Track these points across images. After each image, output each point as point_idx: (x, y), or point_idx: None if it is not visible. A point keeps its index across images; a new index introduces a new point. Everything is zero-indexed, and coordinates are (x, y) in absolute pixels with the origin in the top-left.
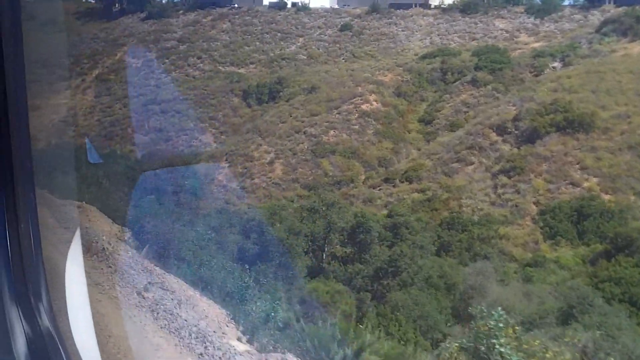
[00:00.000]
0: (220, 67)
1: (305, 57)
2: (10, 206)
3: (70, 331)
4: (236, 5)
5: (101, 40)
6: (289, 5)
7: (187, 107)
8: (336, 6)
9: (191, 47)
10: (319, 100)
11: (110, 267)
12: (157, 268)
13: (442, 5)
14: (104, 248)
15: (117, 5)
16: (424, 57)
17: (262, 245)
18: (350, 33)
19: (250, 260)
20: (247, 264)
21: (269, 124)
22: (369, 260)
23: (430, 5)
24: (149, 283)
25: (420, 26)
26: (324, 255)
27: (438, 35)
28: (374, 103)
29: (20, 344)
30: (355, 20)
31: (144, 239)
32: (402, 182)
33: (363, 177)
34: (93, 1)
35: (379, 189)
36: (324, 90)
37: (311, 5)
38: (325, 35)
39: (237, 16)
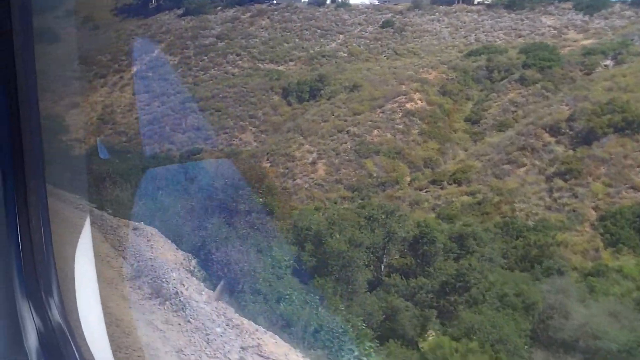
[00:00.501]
0: (259, 65)
1: (345, 55)
2: (21, 203)
3: (80, 326)
4: (275, 2)
5: (139, 36)
6: (329, 2)
7: (227, 105)
8: (376, 2)
9: (230, 44)
10: (361, 99)
11: (189, 321)
12: (233, 311)
13: (485, 2)
14: (177, 292)
15: (153, 1)
16: (469, 54)
17: (320, 257)
18: (392, 30)
19: (308, 274)
20: (304, 279)
21: (311, 122)
22: (433, 274)
23: (473, 1)
24: (243, 349)
25: (464, 23)
26: (382, 266)
27: (483, 32)
28: (419, 102)
29: (31, 339)
30: (397, 16)
31: (211, 269)
32: (450, 184)
33: (408, 178)
34: None
35: (426, 191)
36: (367, 88)
37: (351, 2)
38: (366, 32)
39: (276, 12)
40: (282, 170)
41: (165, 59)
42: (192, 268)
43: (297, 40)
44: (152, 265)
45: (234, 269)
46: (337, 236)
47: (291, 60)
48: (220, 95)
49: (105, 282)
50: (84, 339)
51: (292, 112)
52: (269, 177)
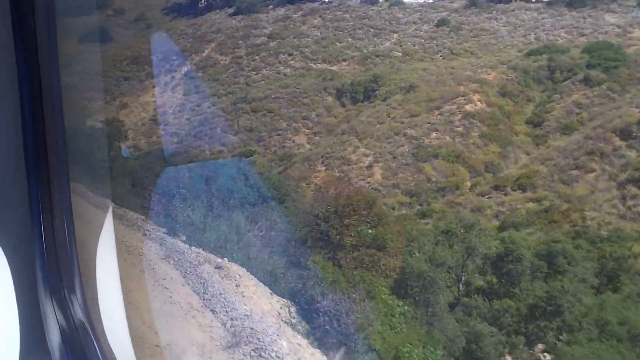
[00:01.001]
0: (311, 64)
1: (400, 54)
2: (45, 201)
3: (103, 324)
4: (326, 0)
5: (189, 36)
6: (382, 0)
7: (279, 106)
8: (430, 0)
9: (281, 43)
10: (418, 100)
11: None
12: None
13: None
14: None
15: (203, 1)
16: (529, 54)
17: (398, 277)
18: (448, 29)
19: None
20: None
21: (366, 124)
22: (519, 295)
23: None
24: None
25: (523, 21)
26: (460, 285)
27: (543, 30)
28: (478, 103)
29: (54, 336)
30: (453, 15)
31: (316, 321)
32: (515, 190)
33: (469, 183)
34: None
35: (488, 197)
36: (423, 89)
37: (405, 0)
38: (421, 31)
39: (328, 11)
40: (337, 174)
41: (216, 58)
42: (292, 319)
43: (349, 39)
44: (252, 329)
45: (345, 321)
46: (417, 254)
47: (344, 60)
48: (273, 96)
49: (128, 280)
50: (106, 337)
51: (346, 113)
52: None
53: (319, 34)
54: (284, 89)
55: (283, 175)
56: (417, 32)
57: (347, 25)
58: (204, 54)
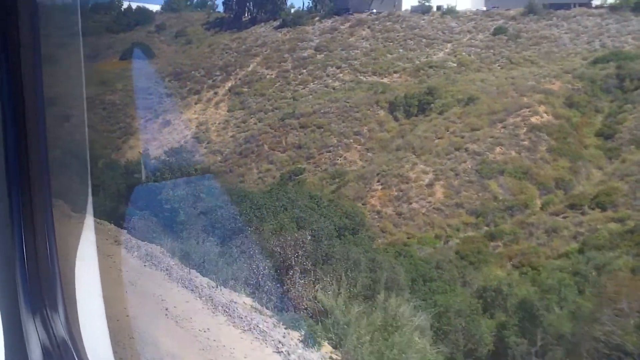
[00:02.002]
0: (361, 77)
1: (455, 65)
2: (27, 216)
3: (85, 341)
4: (374, 11)
5: (233, 50)
6: (434, 9)
7: (329, 121)
8: (484, 8)
9: (329, 56)
10: (479, 113)
11: None
12: None
13: (605, 5)
14: None
15: (247, 14)
16: (594, 62)
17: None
18: (505, 37)
19: None
20: None
21: (423, 139)
22: None
23: (591, 4)
24: None
25: (586, 27)
26: None
27: (608, 37)
28: (544, 115)
29: (36, 355)
30: (510, 22)
31: None
32: (593, 208)
33: (539, 201)
34: (222, 11)
35: (563, 217)
36: (484, 101)
37: (457, 8)
38: (476, 40)
39: (376, 22)
40: (395, 193)
41: (262, 73)
42: None
43: (401, 50)
44: None
45: None
46: (557, 310)
47: (395, 71)
48: (322, 111)
49: (111, 298)
50: (89, 355)
51: (399, 128)
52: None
53: (368, 45)
54: (334, 103)
55: (337, 194)
56: (473, 41)
57: (398, 35)
58: (249, 69)
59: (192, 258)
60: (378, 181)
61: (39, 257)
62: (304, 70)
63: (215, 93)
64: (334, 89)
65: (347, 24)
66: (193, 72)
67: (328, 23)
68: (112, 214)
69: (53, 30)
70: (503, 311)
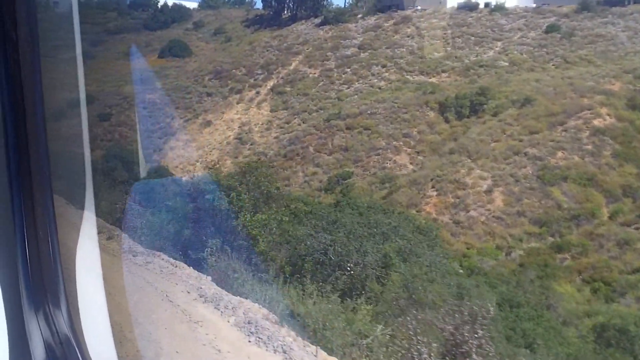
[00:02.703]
0: (408, 77)
1: (506, 64)
2: (29, 213)
3: (88, 339)
4: (419, 8)
5: (274, 48)
6: (481, 6)
7: (377, 123)
8: (533, 5)
9: (374, 54)
10: (536, 115)
11: None
12: None
13: None
14: None
15: (287, 11)
16: None
17: None
18: (559, 35)
19: None
20: None
21: (477, 142)
22: None
23: None
24: None
25: None
26: None
27: None
28: (607, 117)
29: (38, 352)
30: (563, 20)
31: None
32: None
33: (606, 210)
34: (261, 8)
35: (635, 228)
36: (541, 102)
37: (507, 5)
38: (528, 39)
39: (422, 19)
40: (452, 200)
41: (305, 71)
42: None
43: (448, 49)
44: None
45: None
46: None
47: (443, 71)
48: (369, 112)
49: (113, 295)
50: (91, 352)
51: (451, 130)
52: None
53: (414, 43)
54: (380, 103)
55: (388, 200)
56: (524, 39)
57: (445, 33)
58: (291, 67)
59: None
60: (432, 187)
61: (40, 254)
62: (348, 69)
63: (257, 92)
64: (379, 88)
65: (391, 22)
66: (234, 70)
67: (371, 20)
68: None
69: (52, 26)
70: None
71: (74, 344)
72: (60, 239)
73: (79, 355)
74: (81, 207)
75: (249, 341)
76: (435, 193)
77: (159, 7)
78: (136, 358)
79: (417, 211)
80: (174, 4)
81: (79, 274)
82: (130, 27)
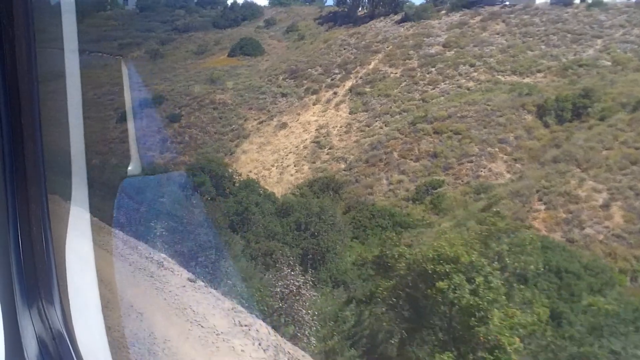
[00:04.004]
0: (499, 77)
1: (609, 63)
2: (22, 209)
3: (81, 335)
4: (507, 3)
5: (352, 47)
6: (576, 1)
7: (468, 127)
8: (634, 0)
9: (460, 53)
10: None
11: None
12: None
13: None
14: None
15: (362, 8)
16: None
17: None
18: None
19: None
20: None
21: (586, 150)
22: None
23: None
24: None
25: None
26: None
27: None
28: None
29: (31, 348)
30: None
31: None
32: None
33: None
34: (334, 5)
35: None
36: None
37: (605, 0)
38: (632, 36)
39: (512, 15)
40: (563, 216)
41: (385, 71)
42: None
43: (542, 46)
44: None
45: None
46: None
47: (539, 71)
48: (458, 115)
49: (107, 291)
50: (85, 348)
51: (551, 135)
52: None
53: (504, 41)
54: (471, 106)
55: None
56: (627, 36)
57: (538, 30)
58: (371, 66)
59: None
60: (539, 200)
61: (34, 249)
62: (433, 69)
63: (335, 93)
64: (468, 89)
65: (478, 18)
66: (309, 70)
67: (456, 17)
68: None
69: (48, 22)
70: None
71: (67, 339)
72: (54, 236)
73: (72, 351)
74: (75, 204)
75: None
76: (543, 207)
77: (229, 4)
78: (129, 354)
79: (526, 228)
80: (245, 2)
81: (73, 271)
82: (199, 25)
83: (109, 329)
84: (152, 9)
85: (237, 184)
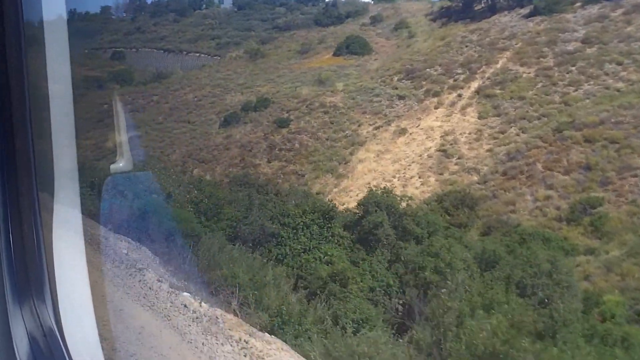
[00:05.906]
0: None
1: None
2: (13, 206)
3: (73, 331)
4: None
5: (474, 44)
6: None
7: (626, 135)
8: None
9: (604, 49)
10: None
11: None
12: None
13: None
14: None
15: (481, 2)
16: None
17: None
18: None
19: None
20: None
21: None
22: None
23: None
24: None
25: None
26: None
27: None
28: None
29: (22, 345)
30: None
31: None
32: None
33: None
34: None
35: None
36: None
37: None
38: None
39: None
40: None
41: (516, 70)
42: None
43: None
44: None
45: None
46: None
47: None
48: (612, 120)
49: (97, 287)
50: (77, 346)
51: None
52: None
53: None
54: (627, 110)
55: None
56: None
57: None
58: (498, 66)
59: None
60: None
61: (25, 247)
62: (573, 68)
63: (459, 95)
64: (618, 91)
65: (620, 11)
66: (427, 69)
67: (594, 10)
68: None
69: (38, 20)
70: None
71: (58, 337)
72: (45, 233)
73: (63, 348)
74: (65, 202)
75: None
76: None
77: (331, 1)
78: (120, 351)
79: None
80: None
81: (64, 268)
82: (301, 23)
83: (99, 325)
84: (250, 7)
85: (421, 224)
